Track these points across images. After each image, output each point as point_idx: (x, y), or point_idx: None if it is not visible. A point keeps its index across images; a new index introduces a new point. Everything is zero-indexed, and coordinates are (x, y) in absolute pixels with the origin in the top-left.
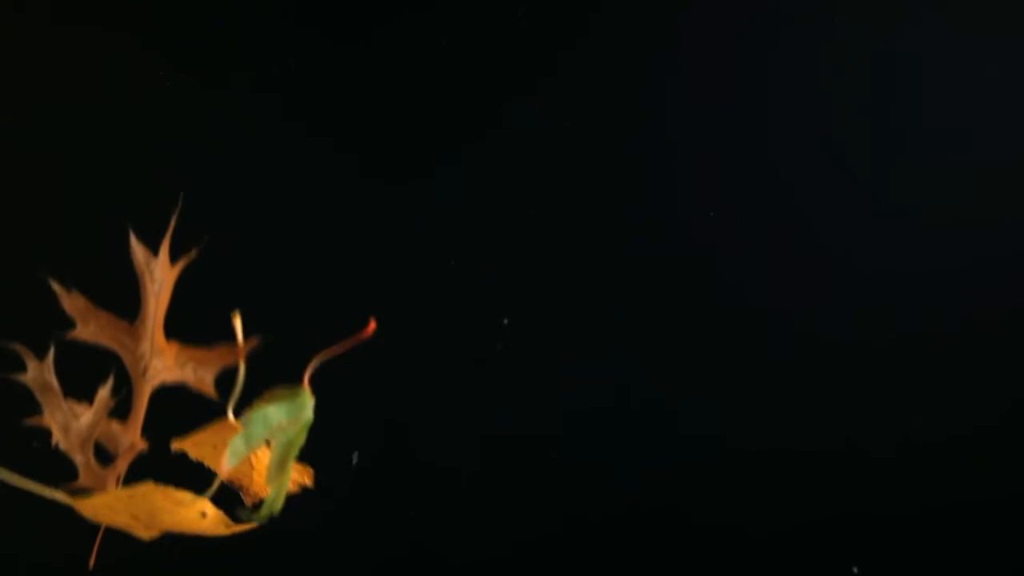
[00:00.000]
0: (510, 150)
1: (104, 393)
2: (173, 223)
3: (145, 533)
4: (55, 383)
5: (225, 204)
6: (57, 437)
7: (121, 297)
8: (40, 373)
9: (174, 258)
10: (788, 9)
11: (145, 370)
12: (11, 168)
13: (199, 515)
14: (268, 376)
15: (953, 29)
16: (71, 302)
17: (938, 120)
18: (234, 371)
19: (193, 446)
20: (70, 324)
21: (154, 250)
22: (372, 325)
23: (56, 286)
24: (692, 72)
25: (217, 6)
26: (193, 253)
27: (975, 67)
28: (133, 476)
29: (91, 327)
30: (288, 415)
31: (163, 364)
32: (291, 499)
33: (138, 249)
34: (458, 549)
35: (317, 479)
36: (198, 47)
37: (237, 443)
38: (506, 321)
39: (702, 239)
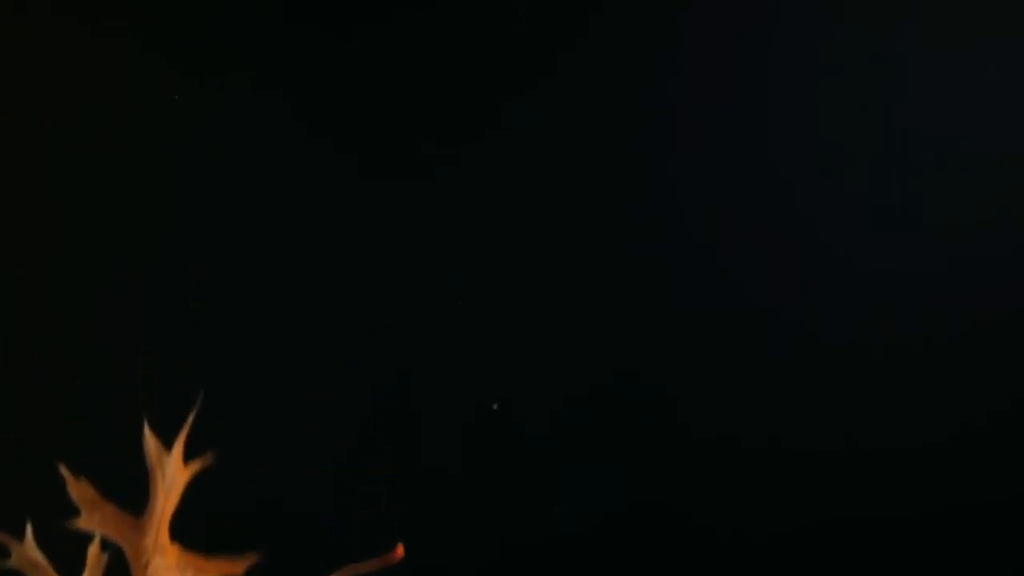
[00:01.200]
0: (510, 150)
1: (94, 549)
2: (189, 422)
3: None
4: (42, 559)
5: (224, 205)
6: None
7: (116, 294)
8: (25, 553)
9: (189, 456)
10: (788, 9)
11: (146, 566)
12: (10, 168)
13: None
14: (264, 358)
15: (954, 29)
16: (79, 491)
17: (938, 120)
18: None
19: None
20: (75, 512)
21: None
22: (399, 551)
23: (65, 473)
24: (692, 72)
25: (217, 6)
26: (209, 457)
27: (976, 67)
28: None
29: (96, 518)
30: None
31: (164, 564)
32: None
33: (152, 444)
34: (452, 548)
35: (312, 475)
36: (198, 47)
37: None
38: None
39: (702, 239)
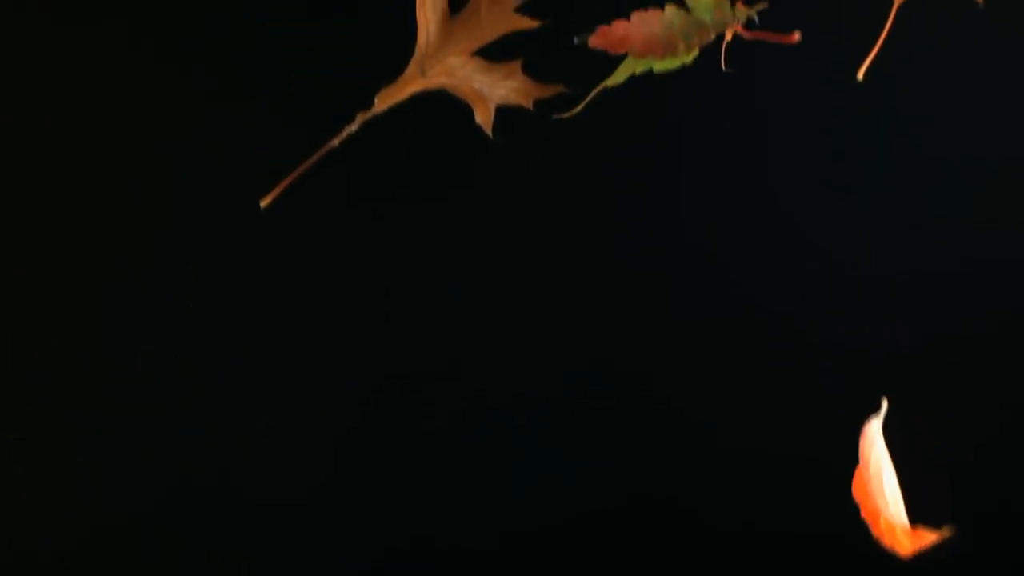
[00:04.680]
0: (509, 155)
1: None
2: None
3: None
4: None
5: (225, 205)
6: None
7: (114, 294)
8: None
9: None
10: (787, 8)
11: None
12: (9, 168)
13: None
14: (264, 373)
15: (953, 26)
16: None
17: (939, 119)
18: None
19: None
20: None
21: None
22: None
23: None
24: (691, 71)
25: (217, 6)
26: None
27: (976, 66)
28: None
29: None
30: None
31: None
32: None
33: None
34: (447, 540)
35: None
36: (198, 47)
37: None
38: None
39: (703, 242)
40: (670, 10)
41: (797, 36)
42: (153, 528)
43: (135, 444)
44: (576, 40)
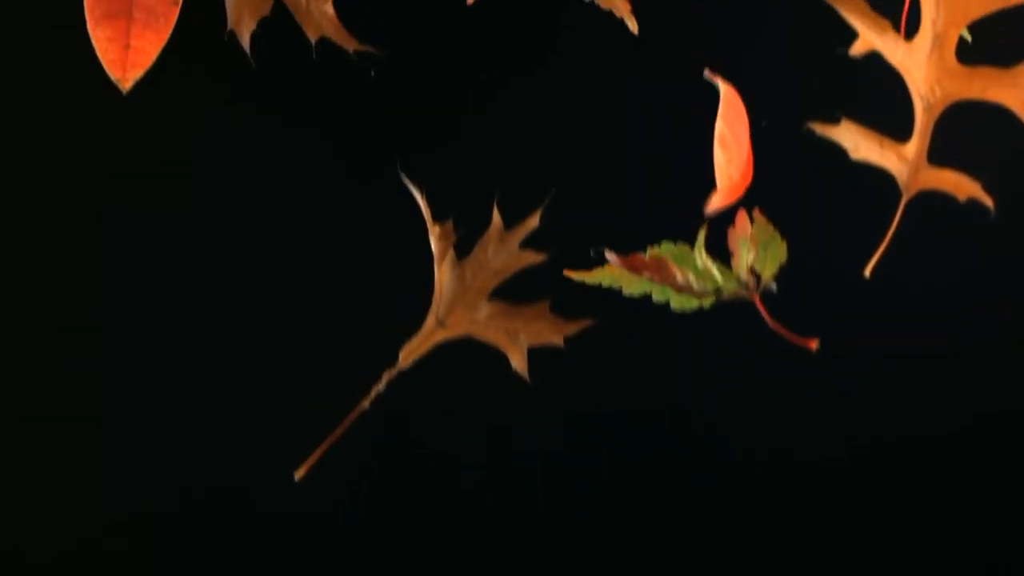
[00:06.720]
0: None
1: None
2: None
3: None
4: None
5: (226, 205)
6: None
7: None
8: None
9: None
10: (782, 6)
11: None
12: (8, 166)
13: None
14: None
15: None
16: None
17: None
18: None
19: None
20: None
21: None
22: None
23: None
24: (690, 69)
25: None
26: None
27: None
28: None
29: None
30: None
31: None
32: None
33: None
34: (458, 542)
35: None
36: (197, 46)
37: None
38: None
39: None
40: (687, 268)
41: (815, 344)
42: (152, 531)
43: (133, 442)
44: (592, 253)
